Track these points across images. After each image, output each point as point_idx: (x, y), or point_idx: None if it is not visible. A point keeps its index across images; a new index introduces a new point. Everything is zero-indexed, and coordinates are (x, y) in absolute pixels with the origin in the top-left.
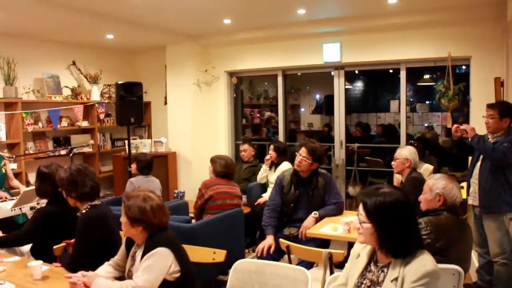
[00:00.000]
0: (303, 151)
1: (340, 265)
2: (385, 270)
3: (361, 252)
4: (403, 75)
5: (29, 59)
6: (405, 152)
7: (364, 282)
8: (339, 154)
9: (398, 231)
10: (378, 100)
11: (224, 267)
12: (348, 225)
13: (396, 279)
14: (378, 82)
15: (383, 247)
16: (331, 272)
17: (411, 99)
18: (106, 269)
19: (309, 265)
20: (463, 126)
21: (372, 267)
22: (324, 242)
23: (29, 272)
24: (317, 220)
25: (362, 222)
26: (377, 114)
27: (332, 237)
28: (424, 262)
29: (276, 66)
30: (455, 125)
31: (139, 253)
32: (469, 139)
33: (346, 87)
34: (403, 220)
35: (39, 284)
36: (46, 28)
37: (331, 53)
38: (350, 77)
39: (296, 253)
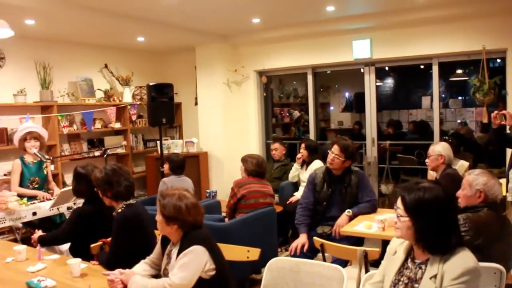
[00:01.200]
0: (335, 148)
1: (375, 264)
2: (423, 267)
3: (398, 248)
4: (435, 70)
5: (63, 63)
6: (439, 148)
7: (402, 279)
8: (371, 151)
9: (435, 227)
10: (410, 96)
11: (257, 266)
12: (382, 223)
13: (435, 276)
14: (409, 78)
15: (420, 242)
16: (366, 271)
17: (444, 95)
18: (143, 267)
19: (343, 263)
20: (503, 111)
21: (410, 264)
22: (357, 240)
23: (69, 269)
24: (351, 218)
25: (399, 216)
26: (408, 110)
27: (367, 235)
28: (465, 259)
29: (306, 64)
30: (495, 112)
31: (174, 251)
32: (508, 127)
33: (377, 84)
34: (441, 216)
35: (78, 281)
36: (79, 33)
37: (361, 49)
38: (381, 74)
39: (330, 251)
